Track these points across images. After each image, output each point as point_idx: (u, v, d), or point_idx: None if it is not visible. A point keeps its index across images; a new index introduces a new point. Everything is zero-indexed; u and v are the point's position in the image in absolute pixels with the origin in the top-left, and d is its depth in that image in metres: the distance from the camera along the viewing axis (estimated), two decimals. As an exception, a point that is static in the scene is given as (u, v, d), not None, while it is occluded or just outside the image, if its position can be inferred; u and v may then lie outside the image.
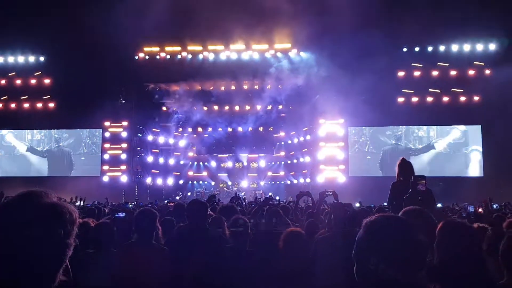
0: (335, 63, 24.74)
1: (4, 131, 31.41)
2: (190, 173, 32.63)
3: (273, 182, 31.60)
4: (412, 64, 28.02)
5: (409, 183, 5.03)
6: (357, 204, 16.51)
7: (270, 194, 24.36)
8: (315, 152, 29.09)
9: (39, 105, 30.53)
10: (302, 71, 27.79)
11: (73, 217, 1.76)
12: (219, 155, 33.00)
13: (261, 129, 31.24)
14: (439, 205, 15.35)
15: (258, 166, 32.72)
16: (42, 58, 30.59)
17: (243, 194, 28.88)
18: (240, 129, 31.24)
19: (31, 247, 1.64)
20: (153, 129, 31.18)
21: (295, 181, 30.32)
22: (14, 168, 30.79)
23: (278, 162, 32.29)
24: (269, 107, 30.34)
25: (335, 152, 28.74)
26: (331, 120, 28.85)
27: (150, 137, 31.30)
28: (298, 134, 30.81)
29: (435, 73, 27.83)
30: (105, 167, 29.81)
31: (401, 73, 28.04)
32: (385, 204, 9.59)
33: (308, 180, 29.29)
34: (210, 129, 31.58)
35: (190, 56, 29.52)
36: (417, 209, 3.19)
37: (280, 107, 30.35)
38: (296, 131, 30.90)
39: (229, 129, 31.37)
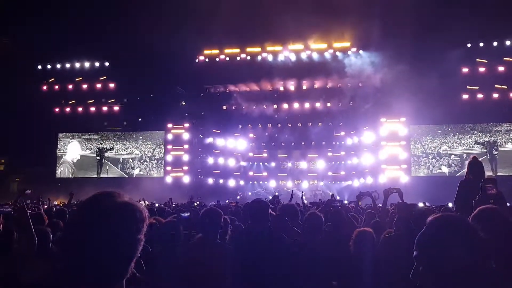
0: (396, 61, 24.26)
1: (71, 138, 32.87)
2: (251, 173, 32.87)
3: (333, 182, 31.28)
4: (477, 59, 26.95)
5: (477, 183, 4.87)
6: (421, 204, 16.05)
7: (331, 194, 24.15)
8: (377, 152, 28.58)
9: (105, 108, 31.74)
10: (362, 70, 27.41)
11: (143, 215, 1.85)
12: (279, 155, 33.03)
13: (319, 124, 31.01)
14: (508, 204, 14.69)
15: (318, 165, 32.47)
16: (107, 63, 31.82)
17: (303, 193, 28.73)
18: (299, 124, 31.16)
19: (108, 242, 1.74)
20: (214, 130, 31.68)
21: (356, 182, 29.88)
22: (83, 170, 32.24)
23: (338, 162, 31.92)
24: (329, 105, 30.09)
25: (397, 151, 28.12)
26: (392, 118, 28.26)
27: (210, 139, 31.82)
28: (359, 134, 30.36)
29: (501, 68, 26.60)
30: (168, 168, 30.60)
31: (465, 70, 27.03)
32: (450, 204, 9.29)
33: (369, 180, 28.81)
34: (269, 125, 31.69)
35: (249, 57, 29.82)
36: (492, 209, 3.07)
37: (340, 104, 30.07)
38: (356, 131, 30.47)
39: (289, 125, 31.33)
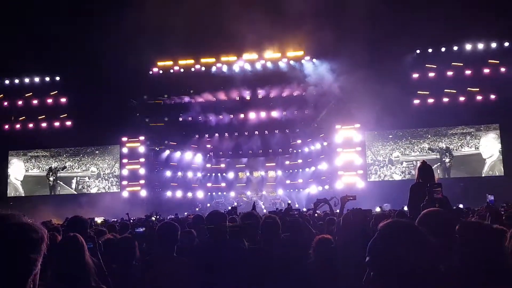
0: (350, 68, 24.76)
1: (15, 156, 31.88)
2: (209, 184, 32.73)
3: (291, 190, 31.54)
4: (426, 65, 27.84)
5: (427, 186, 5.03)
6: (377, 209, 16.39)
7: (288, 202, 24.33)
8: (333, 158, 29.00)
9: (57, 124, 30.93)
10: (316, 78, 27.84)
11: (40, 235, 1.84)
12: (237, 165, 33.06)
13: (276, 131, 31.31)
14: (460, 205, 15.19)
15: (276, 174, 32.68)
16: (57, 78, 31.07)
17: (262, 203, 28.90)
18: (256, 133, 31.36)
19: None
20: (171, 143, 31.39)
21: (313, 189, 30.21)
22: (36, 188, 31.32)
23: (295, 170, 32.22)
24: (284, 113, 30.41)
25: (353, 158, 28.62)
26: (347, 125, 28.78)
27: (167, 152, 31.51)
28: (315, 141, 30.76)
29: (449, 73, 27.59)
30: (124, 183, 30.11)
31: (415, 75, 27.87)
32: (405, 208, 9.55)
33: (326, 187, 29.18)
34: (226, 134, 31.72)
35: (203, 68, 29.82)
36: (436, 211, 3.19)
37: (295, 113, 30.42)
38: (312, 138, 30.86)
39: (246, 133, 31.49)
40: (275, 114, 30.61)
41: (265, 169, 32.94)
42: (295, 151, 32.22)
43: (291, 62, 29.15)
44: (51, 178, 31.42)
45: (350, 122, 28.63)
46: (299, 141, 31.80)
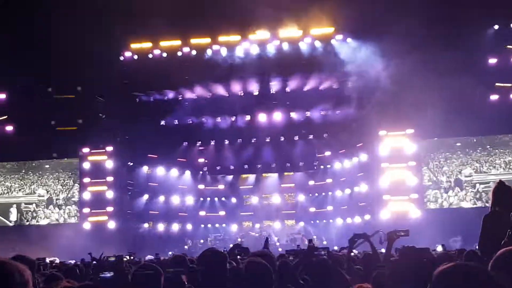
0: (398, 52, 24.66)
1: None
2: (202, 213, 32.69)
3: (317, 221, 31.43)
4: (508, 46, 27.68)
5: (507, 217, 5.00)
6: (439, 248, 16.32)
7: (313, 238, 24.24)
8: (376, 177, 28.97)
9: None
10: (350, 65, 27.78)
11: (25, 278, 1.94)
12: (241, 186, 33.09)
13: (296, 138, 31.39)
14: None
15: (296, 199, 32.61)
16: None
17: (276, 239, 28.85)
18: (268, 139, 31.54)
19: None
20: (149, 156, 31.43)
21: (348, 220, 30.08)
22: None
23: (323, 193, 32.12)
24: (307, 114, 30.41)
25: (404, 176, 28.54)
26: (395, 131, 28.72)
27: (145, 168, 31.54)
28: (350, 153, 30.65)
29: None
30: (86, 210, 30.15)
31: (492, 60, 27.68)
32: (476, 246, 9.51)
33: (367, 217, 29.05)
34: (226, 142, 31.91)
35: (194, 52, 29.88)
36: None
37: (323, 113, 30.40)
38: (346, 149, 30.77)
39: (253, 140, 31.64)
40: (294, 115, 30.58)
41: (281, 191, 32.87)
42: (322, 166, 32.14)
43: (317, 42, 29.14)
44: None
45: (400, 127, 28.54)
46: (327, 153, 31.74)
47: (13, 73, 28.78)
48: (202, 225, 32.36)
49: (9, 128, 30.89)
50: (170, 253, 23.73)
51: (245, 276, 4.95)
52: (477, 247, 9.25)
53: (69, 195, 31.41)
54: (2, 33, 26.27)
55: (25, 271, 1.95)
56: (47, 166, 31.77)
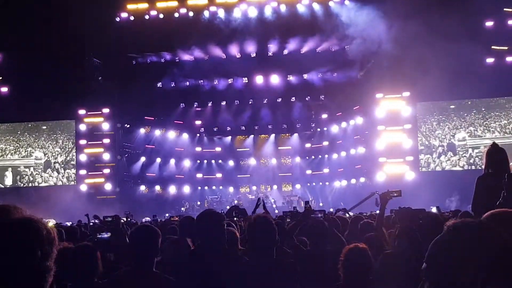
0: (395, 14, 24.50)
1: None
2: (199, 175, 32.79)
3: (314, 184, 31.55)
4: (505, 9, 27.52)
5: (500, 178, 5.01)
6: (434, 209, 16.40)
7: (310, 199, 24.38)
8: (372, 140, 29.03)
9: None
10: (349, 27, 27.60)
11: (51, 236, 1.91)
12: (238, 149, 33.17)
13: (293, 99, 31.41)
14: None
15: (293, 161, 32.68)
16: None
17: (272, 201, 29.00)
18: (265, 101, 31.62)
19: (4, 272, 1.79)
20: (146, 118, 31.40)
21: (344, 182, 30.22)
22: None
23: (319, 156, 32.20)
24: (304, 76, 30.35)
25: (400, 139, 28.61)
26: (392, 94, 28.68)
27: (142, 130, 31.52)
28: (347, 116, 30.66)
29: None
30: (82, 172, 30.24)
31: (489, 23, 27.56)
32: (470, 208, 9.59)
33: (363, 179, 29.19)
34: (223, 103, 31.96)
35: (191, 13, 29.65)
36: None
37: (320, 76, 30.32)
38: (343, 112, 30.77)
39: (250, 102, 31.70)
40: (291, 77, 30.52)
41: (278, 154, 32.94)
42: (318, 129, 32.16)
43: (314, 4, 28.94)
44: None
45: (396, 90, 28.49)
46: (324, 116, 31.74)
47: (9, 34, 28.65)
48: (199, 188, 32.49)
49: (4, 89, 30.81)
50: (166, 215, 23.87)
51: (252, 231, 5.00)
52: (470, 207, 9.32)
53: (68, 158, 31.35)
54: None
55: (52, 229, 1.93)
56: (44, 127, 31.64)
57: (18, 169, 31.49)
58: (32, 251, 1.83)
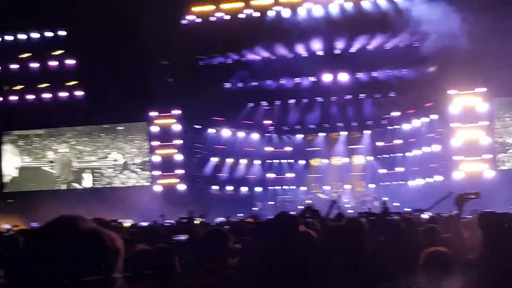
0: (467, 6, 23.98)
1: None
2: (271, 175, 32.76)
3: (387, 183, 31.09)
4: None
5: None
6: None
7: (385, 200, 23.95)
8: (447, 138, 28.49)
9: (63, 94, 31.81)
10: (417, 23, 27.12)
11: (116, 246, 1.91)
12: (308, 148, 33.04)
13: (363, 96, 31.09)
14: None
15: (365, 160, 32.30)
16: (63, 33, 31.62)
17: (345, 201, 28.70)
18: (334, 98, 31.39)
19: (68, 282, 1.79)
20: (214, 118, 31.61)
21: (420, 181, 29.67)
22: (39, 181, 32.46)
23: (392, 155, 31.72)
24: (374, 74, 29.97)
25: (477, 136, 27.98)
26: (466, 90, 28.04)
27: (211, 130, 31.74)
28: (419, 113, 30.12)
29: None
30: (156, 173, 30.75)
31: None
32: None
33: (439, 178, 28.64)
34: (291, 102, 31.94)
35: (256, 14, 29.75)
36: None
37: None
38: (415, 109, 30.24)
39: (319, 99, 31.55)
40: (359, 74, 30.22)
41: (349, 152, 32.66)
42: (390, 127, 31.70)
43: (380, 0, 28.58)
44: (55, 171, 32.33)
45: (470, 85, 27.89)
46: (396, 113, 31.25)
47: (83, 40, 29.43)
48: (271, 188, 32.46)
49: (80, 93, 31.60)
50: (239, 215, 23.97)
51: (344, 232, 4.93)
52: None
53: (144, 159, 31.86)
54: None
55: (117, 239, 1.94)
56: (120, 128, 32.27)
57: (96, 170, 32.14)
58: (96, 262, 1.85)
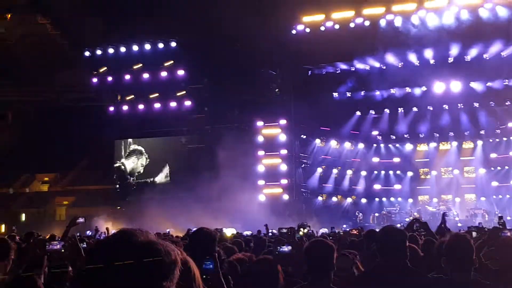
0: None
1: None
2: (377, 186, 32.36)
3: (500, 196, 29.91)
4: None
5: None
6: None
7: (497, 213, 22.99)
8: None
9: (173, 104, 32.70)
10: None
11: (172, 258, 2.00)
12: (416, 159, 32.40)
13: (476, 105, 30.04)
14: None
15: (476, 172, 31.23)
16: (173, 44, 32.46)
17: (455, 213, 27.83)
18: (445, 107, 30.57)
19: None
20: (321, 128, 31.51)
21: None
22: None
23: (506, 167, 30.48)
24: (489, 84, 28.99)
25: None
26: None
27: (317, 140, 31.62)
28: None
29: None
30: (261, 182, 30.94)
31: None
32: None
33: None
34: (400, 110, 31.38)
35: (367, 22, 29.42)
36: None
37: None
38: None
39: (429, 108, 30.78)
40: (474, 84, 29.27)
41: (460, 164, 31.72)
42: (505, 138, 30.51)
43: (499, 8, 27.56)
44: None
45: None
46: (511, 124, 30.08)
47: (191, 49, 30.15)
48: (377, 199, 32.02)
49: (188, 103, 32.33)
50: (343, 226, 23.73)
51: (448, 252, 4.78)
52: None
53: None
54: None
55: (173, 251, 2.03)
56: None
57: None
58: (151, 274, 1.95)
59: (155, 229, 15.89)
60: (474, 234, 9.45)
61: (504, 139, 30.64)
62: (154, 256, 1.95)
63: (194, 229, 6.04)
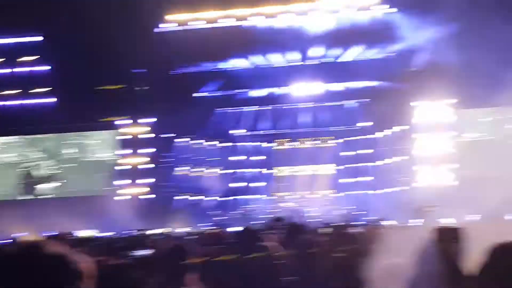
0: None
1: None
2: (235, 184, 32.56)
3: (355, 192, 31.02)
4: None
5: None
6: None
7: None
8: (413, 148, 29.02)
9: (36, 100, 31.82)
10: (391, 36, 27.48)
11: (79, 269, 2.26)
12: (277, 146, 33.06)
13: (334, 104, 31.23)
14: None
15: (332, 169, 32.32)
16: (40, 38, 31.62)
17: (312, 210, 28.63)
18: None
19: None
20: (184, 126, 31.61)
21: (387, 190, 29.71)
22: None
23: (360, 164, 31.62)
24: (348, 84, 30.33)
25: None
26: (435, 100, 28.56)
27: (181, 139, 31.77)
28: (388, 124, 30.22)
29: None
30: (121, 182, 30.75)
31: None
32: None
33: (404, 187, 28.73)
34: (261, 108, 32.15)
35: (234, 23, 29.94)
36: None
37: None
38: (385, 119, 30.37)
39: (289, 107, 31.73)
40: (335, 85, 30.71)
41: (316, 161, 32.55)
42: (358, 137, 31.73)
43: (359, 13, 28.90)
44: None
45: (439, 96, 28.27)
46: (366, 123, 31.34)
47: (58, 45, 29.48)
48: (234, 197, 32.21)
49: (53, 99, 31.52)
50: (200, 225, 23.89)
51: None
52: None
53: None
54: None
55: (82, 262, 2.09)
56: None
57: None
58: (59, 284, 2.04)
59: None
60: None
61: (358, 138, 31.75)
62: (63, 268, 2.06)
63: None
